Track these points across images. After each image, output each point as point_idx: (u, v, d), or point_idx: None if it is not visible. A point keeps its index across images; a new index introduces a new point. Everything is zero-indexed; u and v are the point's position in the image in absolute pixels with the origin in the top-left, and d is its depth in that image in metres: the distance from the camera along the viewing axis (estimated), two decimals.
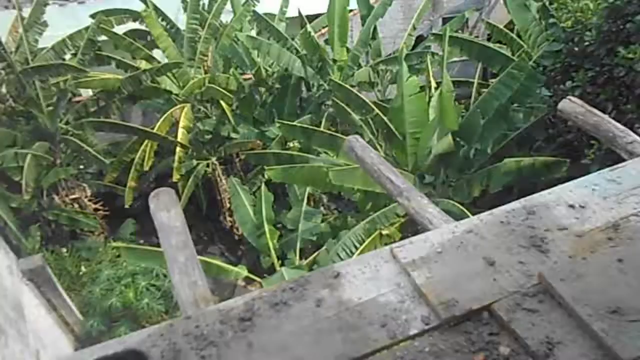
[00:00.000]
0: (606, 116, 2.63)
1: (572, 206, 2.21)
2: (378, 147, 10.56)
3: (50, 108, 12.10)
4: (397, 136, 9.52)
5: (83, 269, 12.20)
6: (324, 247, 9.85)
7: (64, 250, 12.28)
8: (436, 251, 2.06)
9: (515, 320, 1.77)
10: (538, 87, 8.55)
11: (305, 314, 1.89)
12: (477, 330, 1.82)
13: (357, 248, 9.10)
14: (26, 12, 12.34)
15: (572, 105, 2.72)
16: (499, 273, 1.95)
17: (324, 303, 1.92)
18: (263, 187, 11.21)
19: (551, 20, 8.27)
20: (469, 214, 8.08)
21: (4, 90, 12.02)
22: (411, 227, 9.35)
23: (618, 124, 2.60)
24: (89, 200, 13.26)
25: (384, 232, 9.11)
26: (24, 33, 11.94)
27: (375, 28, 12.68)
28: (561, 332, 1.73)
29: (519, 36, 10.62)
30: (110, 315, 10.97)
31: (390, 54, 13.34)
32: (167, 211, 2.33)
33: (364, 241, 9.14)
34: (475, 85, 11.39)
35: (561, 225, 2.13)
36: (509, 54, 10.17)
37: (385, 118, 9.82)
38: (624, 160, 2.51)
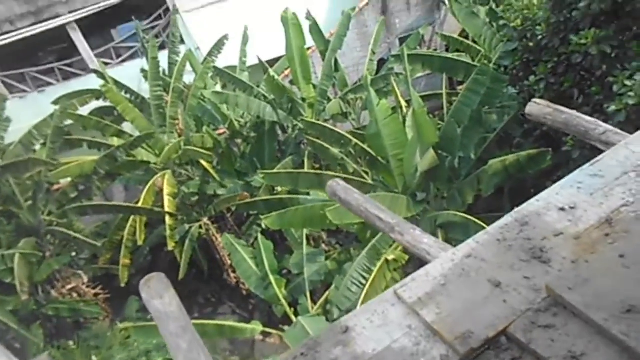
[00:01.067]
0: (574, 112, 2.66)
1: (562, 209, 2.20)
2: (364, 175, 10.59)
3: (30, 203, 11.98)
4: (380, 161, 9.56)
5: (94, 358, 11.90)
6: (333, 285, 9.72)
7: (71, 343, 12.03)
8: (440, 284, 2.03)
9: (535, 340, 1.73)
10: (504, 87, 8.72)
11: None
12: (498, 358, 1.77)
13: (366, 279, 8.99)
14: None
15: (538, 107, 2.75)
16: (507, 293, 1.92)
17: None
18: (260, 237, 11.12)
19: (501, 22, 8.51)
20: (473, 219, 8.07)
21: None
22: None
23: (587, 117, 2.63)
24: (87, 287, 13.01)
25: (390, 257, 9.02)
26: None
27: (336, 60, 12.90)
28: (582, 343, 1.69)
29: (474, 42, 10.90)
30: None
31: (356, 83, 13.56)
32: (161, 298, 2.26)
33: (371, 270, 9.05)
34: (444, 96, 11.58)
35: (556, 230, 2.11)
36: (469, 60, 10.40)
37: (364, 146, 9.89)
38: (601, 151, 2.53)
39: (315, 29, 13.09)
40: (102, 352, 11.90)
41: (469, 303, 1.92)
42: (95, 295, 13.04)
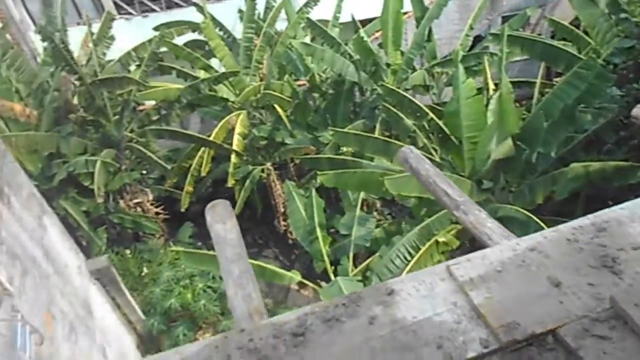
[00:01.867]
0: None
1: None
2: (433, 152, 10.33)
3: (117, 117, 12.71)
4: (452, 141, 9.27)
5: (145, 270, 12.68)
6: (377, 254, 9.74)
7: (128, 251, 12.82)
8: (496, 270, 1.96)
9: (584, 348, 1.65)
10: (608, 87, 8.04)
11: (358, 332, 1.85)
12: (541, 357, 1.71)
13: (411, 255, 8.91)
14: (96, 27, 13.04)
15: None
16: (566, 295, 1.83)
17: (377, 321, 1.88)
18: (314, 192, 11.25)
19: (622, 15, 7.78)
20: (535, 219, 7.72)
21: (75, 101, 12.72)
22: (469, 233, 9.05)
23: None
24: (151, 204, 13.74)
25: (440, 239, 8.87)
26: (93, 47, 12.64)
27: (430, 30, 12.41)
28: None
29: (585, 33, 10.08)
30: (170, 315, 11.33)
31: (446, 56, 13.02)
32: (223, 223, 2.37)
33: (418, 248, 8.95)
34: (537, 85, 10.90)
35: (636, 244, 1.96)
36: (575, 52, 9.66)
37: (440, 122, 9.59)
38: None
39: None
40: (153, 266, 12.65)
41: (523, 295, 1.85)
42: (156, 213, 13.78)
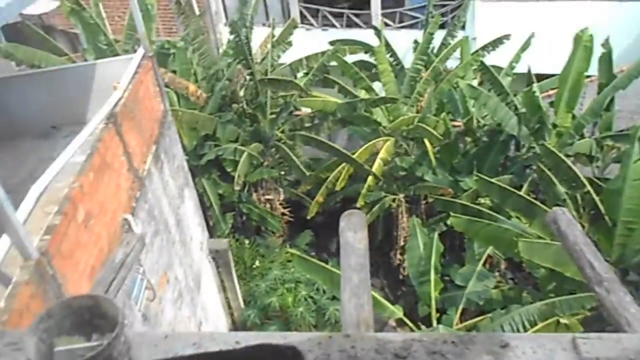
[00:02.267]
0: None
1: None
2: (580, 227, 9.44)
3: (273, 116, 13.60)
4: (606, 221, 8.40)
5: (257, 263, 13.28)
6: (488, 315, 9.17)
7: (247, 241, 13.53)
8: (628, 357, 1.77)
9: None
10: None
11: None
12: None
13: (525, 329, 8.25)
14: (278, 31, 14.13)
15: None
16: None
17: None
18: (436, 236, 10.97)
19: None
20: None
21: (242, 93, 13.91)
22: (596, 324, 8.14)
23: None
24: (280, 204, 14.37)
25: (563, 320, 8.10)
26: (271, 48, 13.77)
27: (612, 99, 11.38)
28: None
29: None
30: (267, 312, 11.73)
31: (622, 130, 11.84)
32: (355, 232, 2.46)
33: (535, 323, 8.27)
34: None
35: None
36: None
37: (596, 198, 8.77)
38: None
39: (606, 59, 11.64)
40: (265, 261, 13.20)
41: None
42: (282, 214, 14.34)
